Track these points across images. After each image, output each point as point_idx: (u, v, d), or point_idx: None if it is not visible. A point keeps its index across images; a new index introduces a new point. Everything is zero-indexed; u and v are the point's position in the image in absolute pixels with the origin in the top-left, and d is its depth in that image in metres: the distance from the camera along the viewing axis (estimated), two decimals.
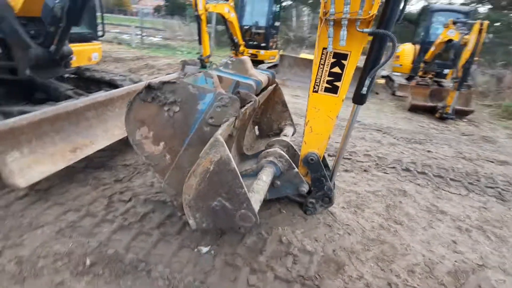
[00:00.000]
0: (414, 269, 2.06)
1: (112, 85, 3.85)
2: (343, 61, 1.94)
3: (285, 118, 3.30)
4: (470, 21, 5.64)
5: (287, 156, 2.35)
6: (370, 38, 1.92)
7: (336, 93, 2.05)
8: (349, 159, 3.72)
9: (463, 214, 2.77)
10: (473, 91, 6.46)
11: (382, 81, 10.68)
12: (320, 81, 2.04)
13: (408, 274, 2.01)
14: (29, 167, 2.25)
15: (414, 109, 6.60)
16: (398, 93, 8.03)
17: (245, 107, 2.15)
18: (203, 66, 6.66)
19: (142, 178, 2.83)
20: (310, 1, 19.40)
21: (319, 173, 2.34)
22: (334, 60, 1.95)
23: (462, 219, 2.69)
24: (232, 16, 7.72)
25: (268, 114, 3.33)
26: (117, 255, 1.90)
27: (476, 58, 5.33)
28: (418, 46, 8.47)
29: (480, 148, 4.61)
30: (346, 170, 3.41)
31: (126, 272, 1.80)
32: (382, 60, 1.88)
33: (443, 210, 2.80)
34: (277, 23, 10.44)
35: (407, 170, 3.56)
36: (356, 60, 1.92)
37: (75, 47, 3.80)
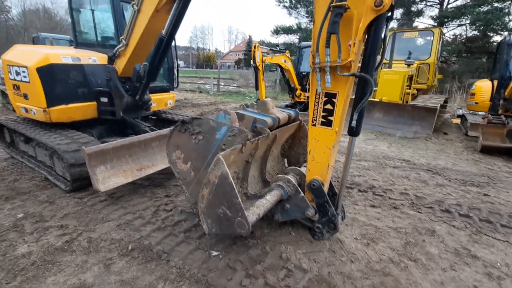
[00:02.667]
0: None
1: None
2: (333, 99, 2.29)
3: None
4: None
5: (294, 181, 2.67)
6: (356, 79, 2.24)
7: (330, 126, 2.36)
8: (381, 196, 3.66)
9: (502, 261, 2.43)
10: None
11: (457, 120, 9.64)
12: (317, 116, 2.40)
13: None
14: (109, 178, 3.20)
15: (487, 150, 5.81)
16: (471, 133, 7.16)
17: (257, 138, 2.64)
18: None
19: (185, 196, 3.51)
20: None
21: (322, 198, 2.55)
22: (326, 98, 2.32)
23: (497, 266, 2.37)
24: (288, 65, 8.67)
25: (295, 148, 3.70)
26: (150, 246, 2.50)
27: None
28: (496, 82, 7.59)
29: None
30: (372, 206, 3.38)
31: (152, 259, 2.35)
32: (365, 97, 2.15)
33: (475, 255, 2.51)
34: None
35: (447, 211, 3.27)
36: (343, 97, 2.24)
37: (156, 96, 5.12)
